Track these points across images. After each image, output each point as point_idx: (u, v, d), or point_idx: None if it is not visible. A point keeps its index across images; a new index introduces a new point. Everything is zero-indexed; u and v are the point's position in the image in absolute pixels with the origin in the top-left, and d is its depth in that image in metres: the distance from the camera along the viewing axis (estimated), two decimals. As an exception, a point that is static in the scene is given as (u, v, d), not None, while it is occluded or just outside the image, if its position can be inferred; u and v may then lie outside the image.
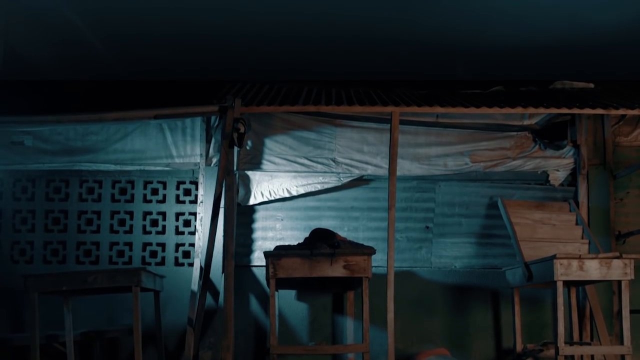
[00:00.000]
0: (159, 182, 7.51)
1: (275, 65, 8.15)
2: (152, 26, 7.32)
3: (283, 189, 7.40)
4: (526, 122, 7.53)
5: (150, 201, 7.49)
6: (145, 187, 7.50)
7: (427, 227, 7.48)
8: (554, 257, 6.12)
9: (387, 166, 6.96)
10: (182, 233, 7.44)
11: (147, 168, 7.47)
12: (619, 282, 6.24)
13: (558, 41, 7.50)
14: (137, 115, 6.68)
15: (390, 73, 8.25)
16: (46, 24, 7.22)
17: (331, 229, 6.87)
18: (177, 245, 7.43)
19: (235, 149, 6.84)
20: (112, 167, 7.47)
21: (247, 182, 7.38)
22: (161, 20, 7.19)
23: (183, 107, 6.71)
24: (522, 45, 7.59)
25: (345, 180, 7.46)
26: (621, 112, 6.71)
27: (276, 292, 6.47)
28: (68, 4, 6.89)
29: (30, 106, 6.99)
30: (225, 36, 7.47)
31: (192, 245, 7.38)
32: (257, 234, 7.47)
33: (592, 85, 7.96)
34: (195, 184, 7.47)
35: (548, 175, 7.56)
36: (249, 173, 7.41)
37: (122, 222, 7.46)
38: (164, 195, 7.49)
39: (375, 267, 6.76)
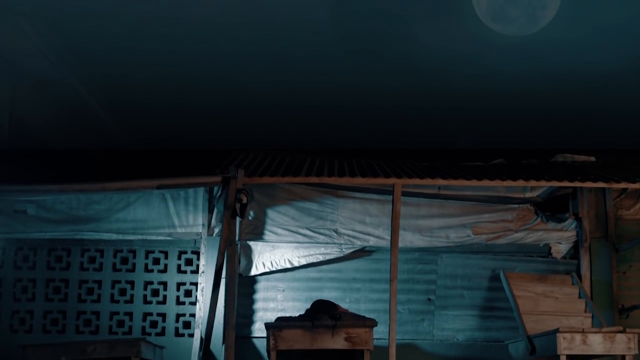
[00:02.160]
0: (160, 251, 7.50)
1: (277, 133, 8.25)
2: (155, 96, 7.44)
3: (285, 260, 7.38)
4: (528, 195, 7.55)
5: (152, 271, 7.47)
6: (146, 257, 7.49)
7: (429, 299, 7.44)
8: (557, 330, 6.08)
9: (389, 237, 6.95)
10: (183, 303, 7.41)
11: (149, 237, 7.46)
12: (623, 356, 6.21)
13: (559, 107, 7.59)
14: (140, 185, 6.72)
15: (391, 142, 8.32)
16: (51, 94, 7.33)
17: (333, 300, 6.83)
18: (178, 316, 7.39)
19: (238, 219, 6.84)
20: (114, 237, 7.46)
21: (248, 253, 7.37)
22: (164, 90, 7.31)
23: (186, 177, 6.75)
24: (524, 113, 7.68)
25: (347, 252, 7.45)
26: (622, 185, 6.76)
27: (277, 364, 6.42)
28: (73, 74, 7.00)
29: (33, 175, 7.04)
30: (228, 105, 7.57)
31: (193, 315, 7.33)
32: (258, 305, 7.43)
33: (593, 159, 8.00)
34: (197, 253, 7.46)
35: (550, 248, 7.54)
36: (251, 243, 7.40)
37: (122, 292, 7.43)
38: (166, 265, 7.47)
39: (377, 339, 6.70)
